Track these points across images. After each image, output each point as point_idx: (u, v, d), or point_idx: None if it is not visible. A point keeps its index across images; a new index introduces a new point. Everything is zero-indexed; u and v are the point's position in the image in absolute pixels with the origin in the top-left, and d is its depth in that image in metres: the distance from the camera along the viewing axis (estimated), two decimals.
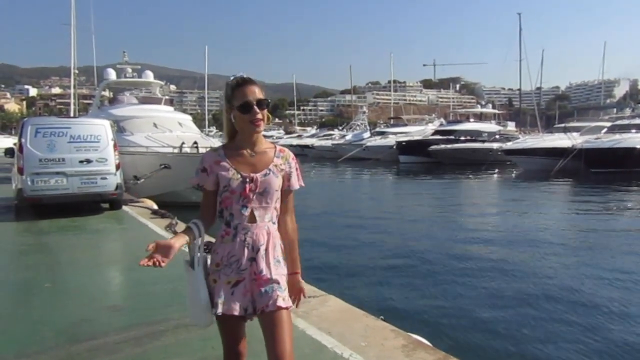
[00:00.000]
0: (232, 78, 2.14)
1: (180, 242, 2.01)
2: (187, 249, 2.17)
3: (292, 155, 2.23)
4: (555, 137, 32.34)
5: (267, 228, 2.12)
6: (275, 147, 2.21)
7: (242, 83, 2.08)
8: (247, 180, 2.08)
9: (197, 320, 2.15)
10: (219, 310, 2.06)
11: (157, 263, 1.92)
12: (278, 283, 2.08)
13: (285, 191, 2.20)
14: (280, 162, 2.17)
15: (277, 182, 2.12)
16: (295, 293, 2.24)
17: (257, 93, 2.07)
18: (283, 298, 2.06)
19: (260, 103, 2.07)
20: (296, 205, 2.32)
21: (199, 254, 2.10)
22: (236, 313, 2.05)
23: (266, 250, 2.10)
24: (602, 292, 7.41)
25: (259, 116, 2.06)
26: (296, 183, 2.21)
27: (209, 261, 2.15)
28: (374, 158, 41.62)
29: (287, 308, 2.07)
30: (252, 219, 2.09)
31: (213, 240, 2.19)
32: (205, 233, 2.15)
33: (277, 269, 2.11)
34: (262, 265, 2.07)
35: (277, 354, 1.99)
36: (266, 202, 2.11)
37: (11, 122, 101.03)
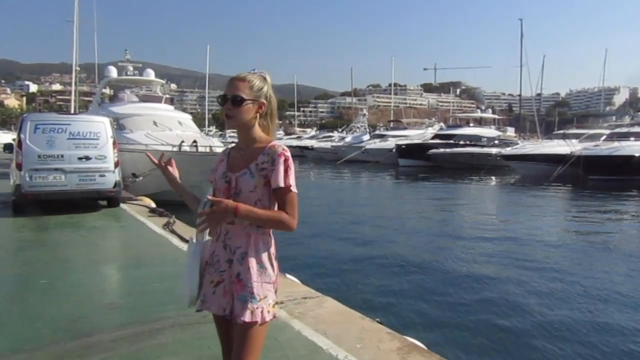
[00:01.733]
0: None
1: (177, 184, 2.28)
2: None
3: (279, 151, 2.01)
4: (554, 143, 32.43)
5: (246, 231, 2.01)
6: (268, 143, 2.05)
7: (232, 78, 2.06)
8: (227, 179, 2.06)
9: (184, 295, 2.15)
10: (199, 306, 2.08)
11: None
12: (252, 292, 1.97)
13: (273, 191, 2.01)
14: (264, 159, 2.01)
15: (251, 183, 1.99)
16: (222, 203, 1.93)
17: (239, 89, 2.00)
18: (252, 311, 1.95)
19: (235, 99, 1.99)
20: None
21: (197, 232, 2.12)
22: (214, 312, 2.06)
23: (245, 254, 2.00)
24: (598, 297, 7.43)
25: (229, 112, 2.00)
26: (277, 181, 1.97)
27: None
28: (374, 161, 41.65)
29: (254, 323, 1.96)
30: (231, 220, 2.00)
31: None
32: None
33: (259, 276, 2.01)
34: (239, 269, 2.00)
35: None
36: (243, 203, 1.97)
37: (11, 117, 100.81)
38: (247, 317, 1.95)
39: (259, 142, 2.08)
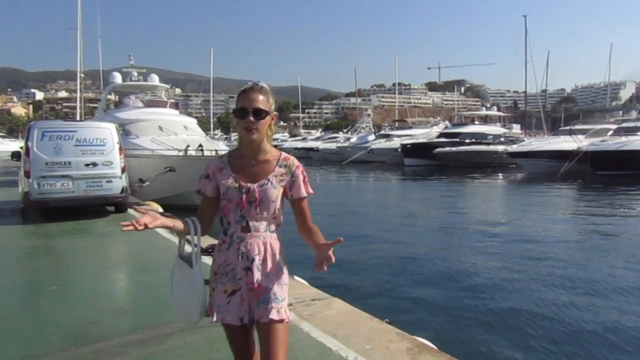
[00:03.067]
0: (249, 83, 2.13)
1: (167, 221, 2.03)
2: (179, 245, 2.25)
3: (296, 163, 2.17)
4: (561, 139, 32.27)
5: (262, 238, 2.09)
6: (280, 155, 2.16)
7: (248, 90, 2.06)
8: (244, 190, 2.06)
9: (187, 318, 2.15)
10: (215, 318, 2.08)
11: (134, 227, 1.88)
12: (275, 294, 2.06)
13: (292, 200, 2.16)
14: (282, 171, 2.13)
15: (274, 193, 2.08)
16: (323, 258, 2.05)
17: (258, 102, 2.03)
18: (277, 310, 2.04)
19: (257, 112, 2.02)
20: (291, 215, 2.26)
21: (196, 251, 2.12)
22: (231, 322, 2.06)
23: (263, 260, 2.08)
24: (608, 295, 7.38)
25: (252, 125, 2.02)
26: (300, 191, 2.14)
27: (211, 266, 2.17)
28: (379, 161, 41.59)
29: (281, 321, 2.04)
30: (247, 228, 2.08)
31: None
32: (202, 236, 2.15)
33: (276, 278, 2.09)
34: (258, 275, 2.06)
35: None
36: (262, 212, 2.08)
37: (18, 125, 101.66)
38: (275, 316, 2.03)
39: (270, 153, 2.15)
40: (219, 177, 2.12)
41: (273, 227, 2.13)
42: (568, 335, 5.97)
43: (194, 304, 2.11)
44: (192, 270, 2.13)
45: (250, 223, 2.07)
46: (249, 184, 2.07)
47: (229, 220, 2.10)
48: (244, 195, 2.06)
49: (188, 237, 2.15)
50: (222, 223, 2.15)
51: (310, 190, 2.18)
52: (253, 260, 2.06)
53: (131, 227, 1.87)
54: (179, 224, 2.13)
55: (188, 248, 2.20)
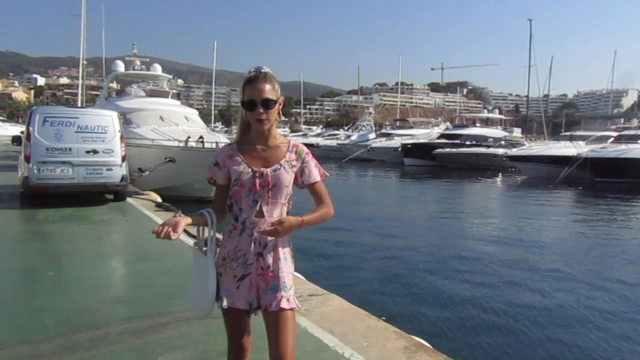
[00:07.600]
0: (251, 70, 2.11)
1: (185, 221, 2.01)
2: (196, 236, 2.22)
3: (305, 150, 2.20)
4: (561, 145, 32.28)
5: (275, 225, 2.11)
6: (289, 142, 2.19)
7: (253, 80, 2.06)
8: (257, 174, 2.07)
9: (197, 310, 2.15)
10: (224, 303, 2.08)
11: (168, 233, 1.90)
12: (284, 282, 2.08)
13: (307, 185, 2.17)
14: (293, 157, 2.15)
15: (287, 178, 2.10)
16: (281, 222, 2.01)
17: (266, 92, 2.04)
18: (287, 299, 2.07)
19: (266, 103, 2.04)
20: (298, 202, 2.27)
21: (210, 242, 2.11)
22: (241, 307, 2.08)
23: (274, 246, 2.09)
24: (601, 300, 7.39)
25: (262, 116, 2.04)
26: (313, 176, 2.16)
27: (217, 254, 2.17)
28: (379, 159, 41.60)
29: (291, 309, 2.07)
30: (260, 214, 2.08)
31: (220, 236, 2.19)
32: (217, 224, 2.15)
33: (285, 267, 2.11)
34: (270, 261, 2.08)
35: (279, 353, 2.02)
36: (275, 197, 2.10)
37: (19, 110, 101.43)
38: (285, 305, 2.05)
39: (279, 139, 2.18)
40: (229, 164, 2.12)
41: (284, 213, 2.14)
42: (561, 337, 5.98)
43: (205, 295, 2.09)
44: (206, 260, 2.11)
45: (264, 208, 2.08)
46: (262, 169, 2.08)
47: (240, 206, 2.10)
48: (257, 180, 2.07)
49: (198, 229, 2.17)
50: (231, 210, 2.14)
51: (326, 173, 2.21)
52: (265, 245, 2.08)
53: (161, 231, 1.90)
54: (195, 219, 2.09)
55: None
